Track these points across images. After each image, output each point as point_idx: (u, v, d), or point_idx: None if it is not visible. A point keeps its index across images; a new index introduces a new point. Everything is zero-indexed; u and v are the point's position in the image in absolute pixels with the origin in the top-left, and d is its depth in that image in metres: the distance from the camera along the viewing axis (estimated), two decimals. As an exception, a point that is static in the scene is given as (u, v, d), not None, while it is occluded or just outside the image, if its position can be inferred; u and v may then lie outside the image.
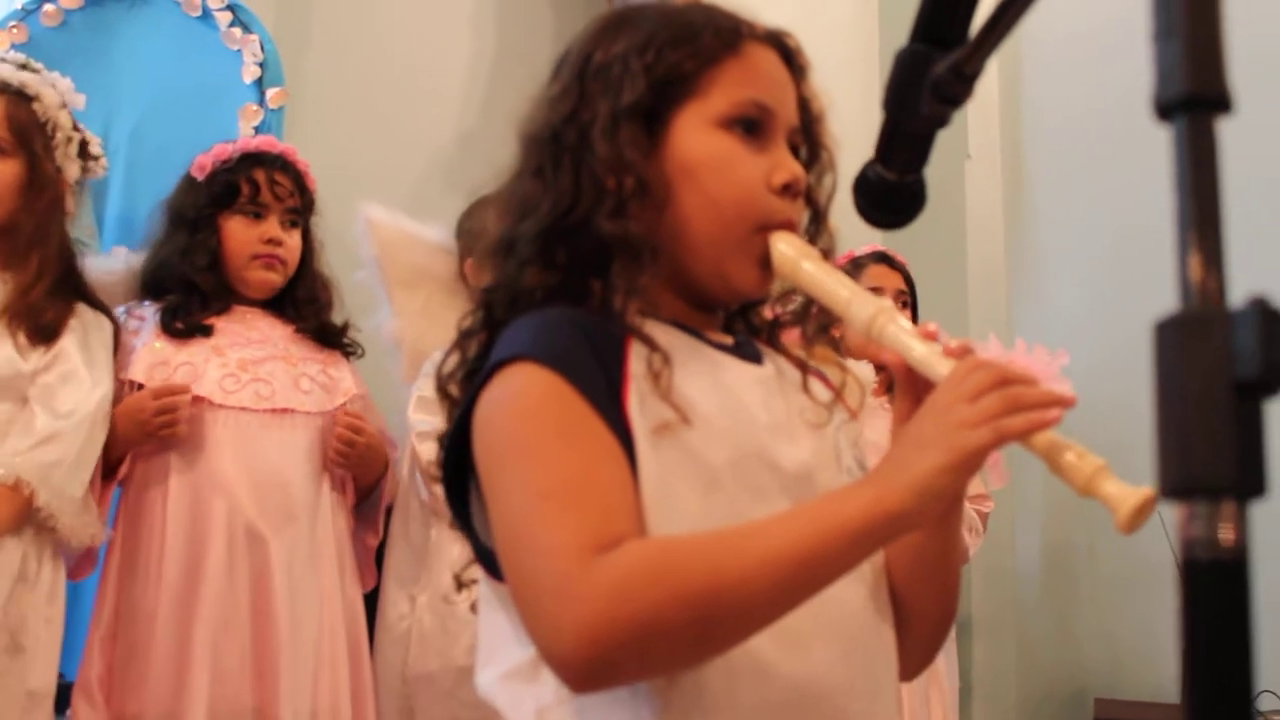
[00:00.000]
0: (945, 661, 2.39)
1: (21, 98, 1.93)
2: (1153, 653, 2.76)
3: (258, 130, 2.53)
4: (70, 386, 1.85)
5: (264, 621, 1.89)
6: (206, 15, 2.71)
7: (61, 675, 1.86)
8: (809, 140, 0.98)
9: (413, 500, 2.14)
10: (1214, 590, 0.50)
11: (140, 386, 1.97)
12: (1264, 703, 2.24)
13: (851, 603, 0.89)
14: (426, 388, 1.87)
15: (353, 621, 2.05)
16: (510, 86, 3.06)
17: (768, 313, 1.01)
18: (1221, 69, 0.52)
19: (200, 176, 2.08)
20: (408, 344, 2.22)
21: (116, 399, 1.93)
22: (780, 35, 0.97)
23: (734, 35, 0.93)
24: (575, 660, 0.75)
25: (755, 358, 0.96)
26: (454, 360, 0.93)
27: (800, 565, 0.75)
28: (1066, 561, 3.11)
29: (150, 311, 2.04)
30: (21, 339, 1.84)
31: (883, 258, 2.56)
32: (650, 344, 0.85)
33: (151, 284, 2.07)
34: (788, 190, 0.92)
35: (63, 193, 1.97)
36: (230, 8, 2.71)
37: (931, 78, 0.82)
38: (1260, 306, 0.49)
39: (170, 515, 1.91)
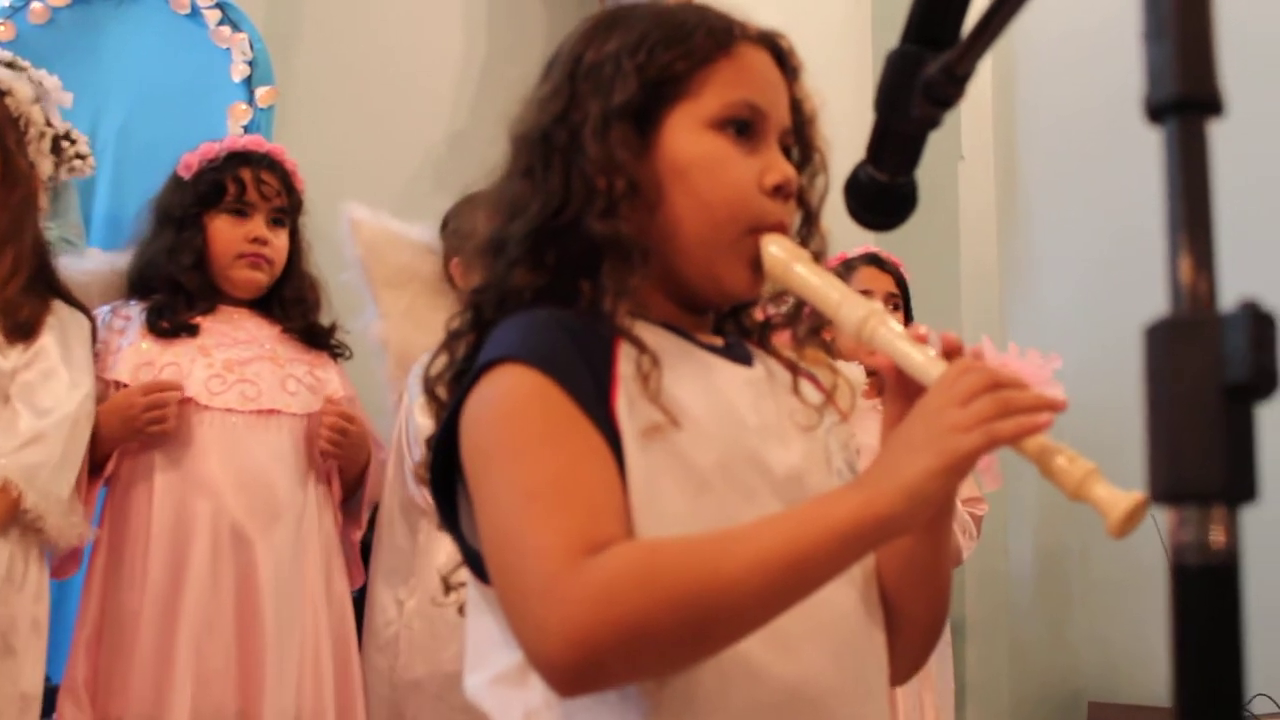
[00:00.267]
0: (939, 664, 2.39)
1: None
2: (1146, 656, 2.76)
3: (247, 129, 2.52)
4: (51, 384, 1.83)
5: (249, 624, 1.88)
6: (195, 13, 2.70)
7: (47, 678, 1.84)
8: (801, 141, 0.98)
9: (397, 505, 2.12)
10: (1205, 596, 0.50)
11: (125, 387, 1.95)
12: (1258, 706, 2.24)
13: (842, 606, 0.88)
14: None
15: (340, 622, 2.03)
16: (502, 86, 3.06)
17: (759, 314, 1.00)
18: (1213, 70, 0.51)
19: (186, 175, 2.07)
20: (393, 345, 2.21)
21: (101, 399, 1.92)
22: (773, 36, 0.97)
23: (726, 35, 0.93)
24: (562, 663, 0.74)
25: (745, 360, 0.95)
26: (442, 361, 0.92)
27: (790, 568, 0.75)
28: (1060, 564, 3.11)
29: (136, 311, 2.03)
30: None
31: (874, 259, 2.56)
32: (639, 345, 0.85)
33: (137, 283, 2.06)
34: (779, 192, 0.92)
35: (36, 189, 1.95)
36: (219, 6, 2.70)
37: (923, 79, 0.81)
38: (1250, 310, 0.49)
39: (155, 516, 1.89)
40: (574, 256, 0.89)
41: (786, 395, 0.95)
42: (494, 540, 0.81)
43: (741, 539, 0.77)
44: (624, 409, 0.82)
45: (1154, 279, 0.52)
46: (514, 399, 0.82)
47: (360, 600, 2.14)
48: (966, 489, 2.39)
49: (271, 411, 1.99)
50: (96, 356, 1.96)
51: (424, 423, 2.03)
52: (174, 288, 2.02)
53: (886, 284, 2.53)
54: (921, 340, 0.84)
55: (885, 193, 0.90)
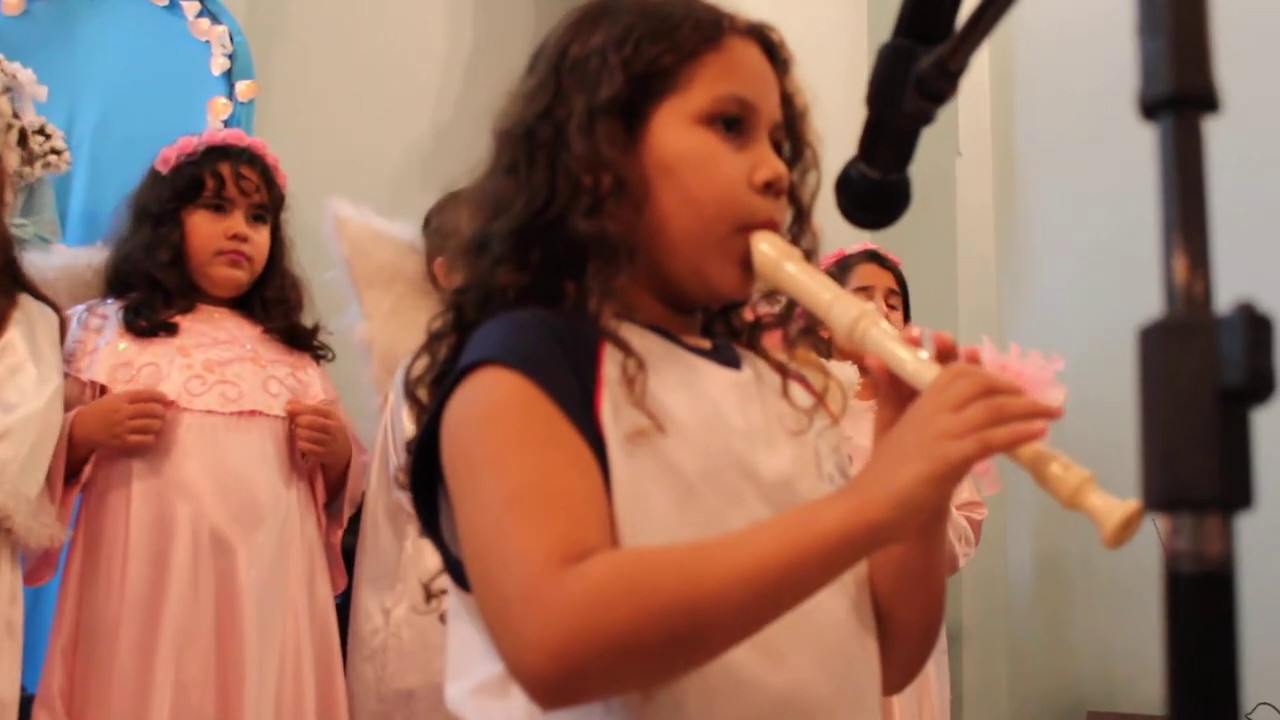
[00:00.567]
0: (936, 671, 2.37)
1: None
2: (1147, 663, 2.75)
3: (226, 124, 2.50)
4: (18, 379, 1.80)
5: (229, 631, 1.85)
6: (174, 5, 2.68)
7: (22, 687, 1.81)
8: (792, 136, 0.96)
9: (382, 509, 2.10)
10: (1200, 605, 0.48)
11: (102, 388, 1.92)
12: (1261, 715, 2.22)
13: (833, 614, 0.87)
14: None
15: (323, 629, 2.00)
16: (488, 79, 3.04)
17: (749, 314, 0.99)
18: (1208, 67, 0.50)
19: (164, 170, 2.04)
20: (378, 346, 2.18)
21: (77, 400, 1.89)
22: (762, 28, 0.95)
23: (714, 28, 0.91)
24: (542, 674, 0.73)
25: (734, 362, 0.94)
26: (423, 363, 0.90)
27: (778, 577, 0.73)
28: (1059, 570, 3.10)
29: (113, 310, 2.00)
30: None
31: (873, 256, 2.54)
32: (625, 348, 0.83)
33: (114, 281, 2.03)
34: (770, 188, 0.90)
35: (3, 182, 1.92)
36: (198, -3, 2.68)
37: (915, 74, 0.80)
38: (1247, 312, 0.48)
39: (134, 521, 1.86)
40: (558, 255, 0.87)
41: (775, 399, 0.93)
42: (474, 547, 0.79)
43: (728, 547, 0.75)
44: (608, 413, 0.81)
45: (1153, 276, 0.50)
46: (495, 402, 0.81)
47: (343, 606, 2.11)
48: (965, 493, 2.37)
49: (253, 413, 1.96)
50: (71, 355, 1.93)
51: (410, 425, 2.01)
52: (151, 285, 1.99)
53: (886, 280, 2.51)
54: (914, 342, 0.82)
55: (877, 190, 0.88)
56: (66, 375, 1.91)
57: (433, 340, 0.91)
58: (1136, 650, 2.81)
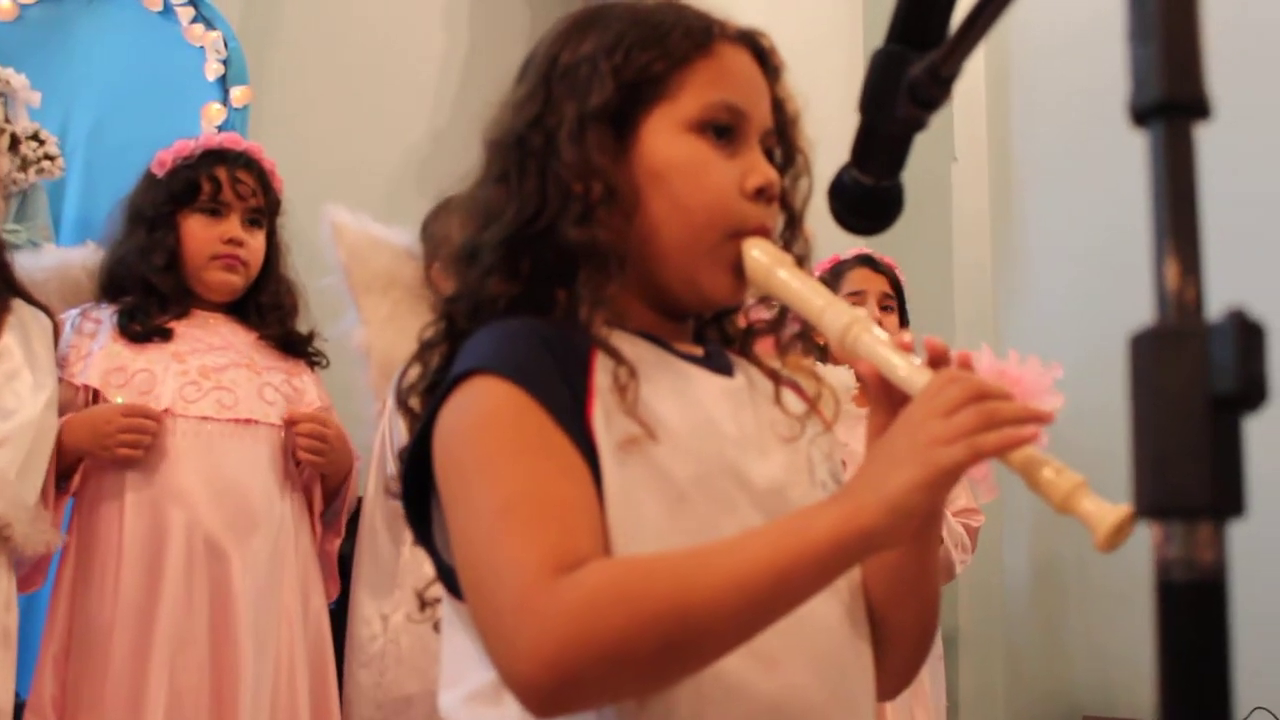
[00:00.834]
0: (931, 678, 2.36)
1: None
2: (1143, 669, 2.75)
3: (221, 130, 2.49)
4: (15, 386, 1.79)
5: (224, 639, 1.83)
6: (168, 10, 2.68)
7: (15, 694, 1.80)
8: (784, 143, 0.96)
9: (380, 516, 2.09)
10: (1192, 613, 0.48)
11: (96, 392, 1.91)
12: (1258, 721, 2.22)
13: (826, 620, 0.86)
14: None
15: (317, 639, 1.99)
16: (484, 83, 3.04)
17: (741, 321, 0.98)
18: (1199, 72, 0.50)
19: (160, 173, 2.02)
20: (375, 352, 2.17)
21: (69, 405, 1.88)
22: (753, 35, 0.95)
23: (705, 35, 0.91)
24: (535, 683, 0.73)
25: (726, 369, 0.93)
26: (415, 372, 0.90)
27: (771, 584, 0.73)
28: (1055, 575, 3.09)
29: (106, 314, 1.98)
30: None
31: (866, 261, 2.54)
32: (616, 356, 0.83)
33: (108, 284, 2.01)
34: (761, 195, 0.90)
35: None
36: (192, 3, 2.68)
37: (908, 80, 0.80)
38: (1238, 318, 0.48)
39: (127, 527, 1.84)
40: (549, 264, 0.87)
41: (768, 406, 0.93)
42: (466, 556, 0.79)
43: (720, 554, 0.75)
44: (600, 421, 0.81)
45: (1149, 283, 0.50)
46: (487, 411, 0.80)
47: (339, 613, 2.10)
48: (961, 500, 2.37)
49: (249, 421, 1.94)
50: (65, 360, 1.92)
51: (406, 429, 2.01)
52: (146, 289, 1.97)
53: (880, 285, 2.50)
54: (907, 348, 0.82)
55: (870, 196, 0.88)
56: (60, 380, 1.89)
57: (424, 349, 0.90)
58: (1132, 656, 2.81)
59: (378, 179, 2.97)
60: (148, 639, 1.80)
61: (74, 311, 2.00)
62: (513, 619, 0.73)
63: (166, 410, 1.89)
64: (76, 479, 1.88)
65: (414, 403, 0.89)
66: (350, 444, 2.06)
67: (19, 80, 1.95)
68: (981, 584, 3.08)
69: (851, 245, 2.59)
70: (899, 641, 0.93)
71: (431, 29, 3.24)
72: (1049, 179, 3.23)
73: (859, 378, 0.87)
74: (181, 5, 2.68)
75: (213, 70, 2.69)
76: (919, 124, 0.83)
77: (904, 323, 2.52)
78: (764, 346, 0.98)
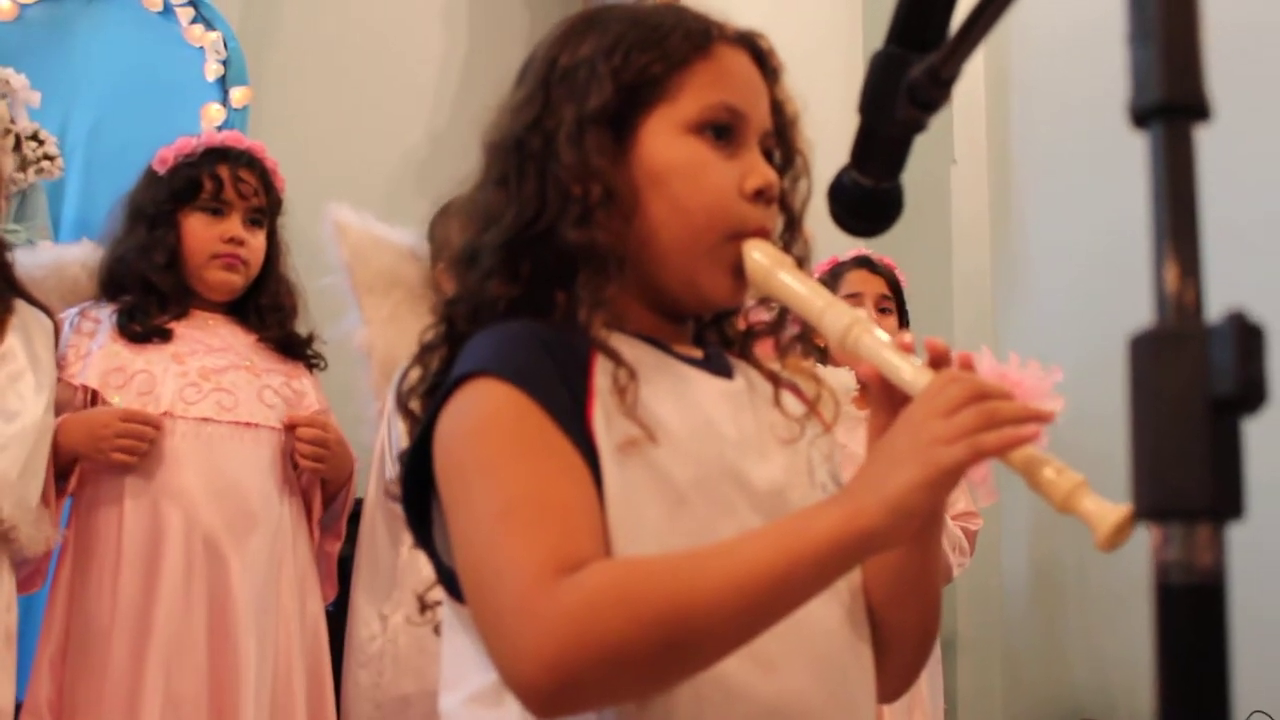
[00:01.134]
0: (928, 681, 2.36)
1: None
2: (1142, 672, 2.74)
3: (220, 130, 2.48)
4: (19, 386, 1.78)
5: (223, 642, 1.82)
6: (168, 11, 2.68)
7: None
8: (783, 144, 0.96)
9: (380, 517, 2.09)
10: (1191, 615, 0.48)
11: (94, 392, 1.90)
12: (1255, 724, 2.21)
13: (826, 622, 0.86)
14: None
15: (314, 643, 1.98)
16: (484, 84, 3.05)
17: (741, 323, 0.99)
18: (1199, 74, 0.50)
19: (162, 170, 2.01)
20: (377, 352, 2.17)
21: (67, 404, 1.87)
22: (752, 36, 0.95)
23: (704, 37, 0.91)
24: (537, 685, 0.73)
25: (725, 372, 0.93)
26: (415, 375, 0.90)
27: (771, 585, 0.73)
28: (1054, 579, 3.09)
29: (106, 314, 1.97)
30: None
31: (863, 262, 2.54)
32: (616, 358, 0.83)
33: (108, 282, 2.00)
34: (760, 196, 0.90)
35: None
36: (192, 3, 2.68)
37: (907, 82, 0.80)
38: (1238, 320, 0.48)
39: (126, 528, 1.83)
40: (549, 267, 0.87)
41: (767, 408, 0.93)
42: (467, 558, 0.79)
43: (720, 556, 0.75)
44: (600, 423, 0.81)
45: (1149, 285, 0.50)
46: (487, 414, 0.80)
47: (337, 617, 2.09)
48: (960, 504, 2.37)
49: (249, 424, 1.93)
50: (63, 360, 1.91)
51: (405, 431, 2.00)
52: (146, 288, 1.96)
53: (878, 286, 2.50)
54: (907, 349, 0.82)
55: (869, 198, 0.88)
56: (58, 379, 1.89)
57: (424, 352, 0.91)
58: (1131, 659, 2.80)
59: (377, 180, 2.97)
60: (145, 641, 1.79)
61: (73, 310, 1.98)
62: (514, 621, 0.74)
63: (166, 412, 1.88)
64: (74, 480, 1.87)
65: (414, 405, 0.89)
66: (349, 448, 2.06)
67: (18, 80, 1.94)
68: (980, 587, 3.07)
69: (850, 247, 2.59)
70: (900, 643, 0.93)
71: (431, 30, 3.24)
72: (1048, 181, 3.22)
73: (859, 379, 0.87)
74: (181, 6, 2.68)
75: (212, 71, 2.69)
76: (918, 126, 0.83)
77: (904, 324, 2.52)
78: (764, 348, 0.98)
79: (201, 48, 2.69)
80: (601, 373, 0.83)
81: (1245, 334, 0.47)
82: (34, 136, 2.00)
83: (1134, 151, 0.51)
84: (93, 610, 1.82)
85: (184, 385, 1.92)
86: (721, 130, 0.90)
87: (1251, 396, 0.47)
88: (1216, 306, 0.49)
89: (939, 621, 0.96)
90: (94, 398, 1.91)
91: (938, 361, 0.81)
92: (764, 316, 0.97)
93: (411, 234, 2.24)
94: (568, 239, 0.86)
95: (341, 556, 2.13)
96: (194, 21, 2.69)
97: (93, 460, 1.85)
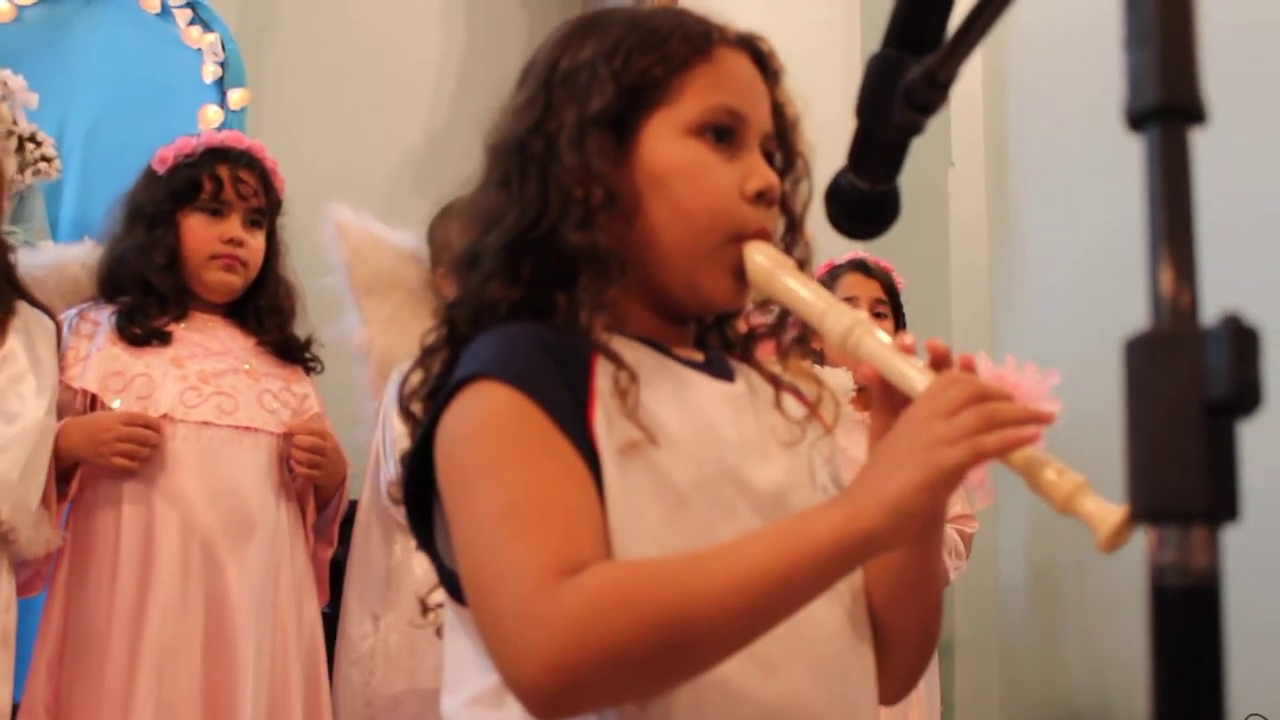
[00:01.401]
0: (925, 683, 2.35)
1: None
2: (1140, 675, 2.72)
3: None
4: (20, 388, 1.78)
5: (220, 647, 1.81)
6: (165, 12, 2.67)
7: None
8: (784, 146, 0.96)
9: (374, 517, 2.09)
10: (1185, 617, 0.48)
11: (94, 396, 1.89)
12: (1252, 726, 2.21)
13: (827, 625, 0.87)
14: None
15: (311, 645, 1.98)
16: (482, 85, 3.05)
17: (742, 326, 0.99)
18: (1195, 77, 0.50)
19: (161, 170, 2.00)
20: (375, 352, 2.17)
21: (66, 407, 1.87)
22: (752, 39, 0.95)
23: (704, 40, 0.91)
24: (539, 687, 0.73)
25: (726, 375, 0.94)
26: (417, 377, 0.90)
27: (772, 587, 0.73)
28: (1052, 581, 3.09)
29: (105, 315, 1.96)
30: None
31: (859, 266, 2.54)
32: (617, 361, 0.83)
33: (107, 281, 1.99)
34: (762, 198, 0.90)
35: (1, 189, 1.89)
36: (190, 5, 2.67)
37: (904, 84, 0.80)
38: (1233, 323, 0.48)
39: (124, 532, 1.83)
40: (550, 269, 0.87)
41: (768, 410, 0.93)
42: (469, 561, 0.79)
43: (721, 557, 0.75)
44: (602, 426, 0.81)
45: (1146, 288, 0.50)
46: (489, 416, 0.81)
47: (329, 618, 2.09)
48: (957, 506, 2.37)
49: (248, 428, 1.93)
50: (62, 361, 1.90)
51: (401, 430, 2.01)
52: (145, 289, 1.95)
53: (873, 290, 2.51)
54: (908, 351, 0.82)
55: (866, 201, 0.88)
56: (59, 382, 1.89)
57: (426, 354, 0.91)
58: (1128, 662, 2.80)
59: (375, 181, 2.97)
60: (140, 644, 1.78)
61: (71, 312, 1.98)
62: (515, 623, 0.74)
63: (165, 416, 1.87)
64: (75, 483, 1.86)
65: (416, 408, 0.90)
66: (343, 454, 2.05)
67: (16, 81, 1.94)
68: (977, 590, 3.07)
69: (848, 249, 2.59)
70: (902, 645, 0.93)
71: (429, 31, 3.24)
72: (1046, 184, 3.23)
73: (861, 381, 0.87)
74: (179, 7, 2.68)
75: (210, 72, 2.68)
76: (916, 128, 0.83)
77: (901, 327, 2.52)
78: (765, 351, 0.98)
79: (199, 49, 2.69)
80: (603, 375, 0.83)
81: (1240, 337, 0.48)
82: (31, 138, 2.00)
83: (1132, 154, 0.51)
84: (90, 612, 1.81)
85: (184, 389, 1.91)
86: (722, 132, 0.90)
87: (1246, 399, 0.47)
88: (1212, 309, 0.49)
89: (941, 623, 0.97)
90: (93, 401, 1.91)
91: (939, 363, 0.82)
92: (765, 319, 0.97)
93: (412, 236, 2.24)
94: (569, 241, 0.86)
95: (335, 559, 2.12)
96: (192, 23, 2.68)
97: (94, 464, 1.84)
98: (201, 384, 1.92)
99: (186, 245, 1.99)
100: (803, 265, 0.92)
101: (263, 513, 1.91)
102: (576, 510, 0.78)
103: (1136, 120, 0.50)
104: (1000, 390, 0.76)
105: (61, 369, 1.91)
